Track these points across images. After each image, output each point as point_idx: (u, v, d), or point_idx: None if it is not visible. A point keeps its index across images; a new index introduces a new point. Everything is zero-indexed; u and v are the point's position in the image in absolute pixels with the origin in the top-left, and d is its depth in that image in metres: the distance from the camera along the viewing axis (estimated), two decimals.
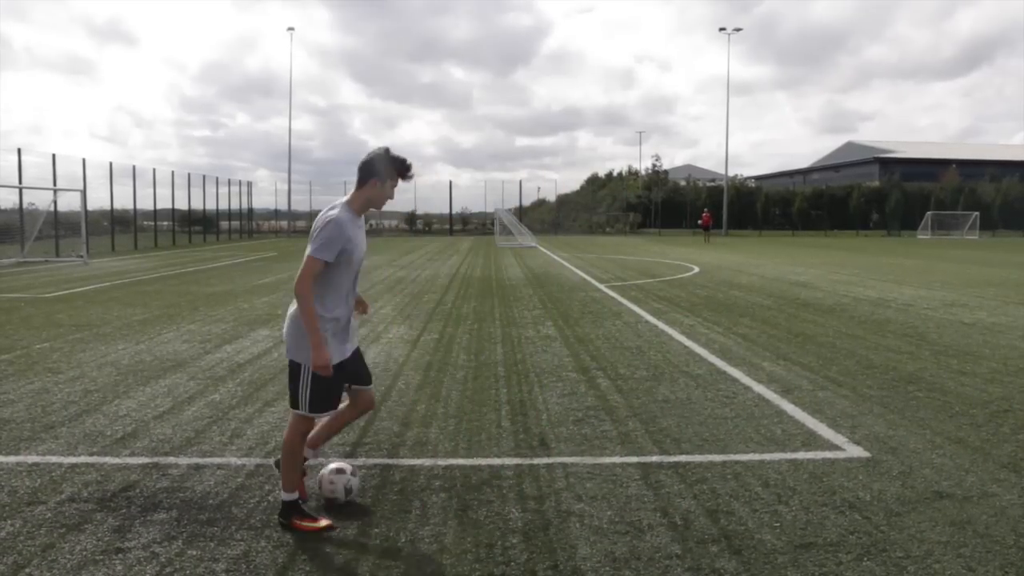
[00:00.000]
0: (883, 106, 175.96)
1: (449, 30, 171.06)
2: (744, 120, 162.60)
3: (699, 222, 43.28)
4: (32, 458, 4.71)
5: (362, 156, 3.73)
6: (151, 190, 37.13)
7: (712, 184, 67.71)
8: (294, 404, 3.73)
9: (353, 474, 4.01)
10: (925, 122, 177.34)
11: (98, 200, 33.43)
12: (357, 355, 3.93)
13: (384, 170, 3.68)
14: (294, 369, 3.71)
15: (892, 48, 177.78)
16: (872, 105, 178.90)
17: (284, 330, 3.79)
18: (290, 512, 3.72)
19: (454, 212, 59.43)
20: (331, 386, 3.71)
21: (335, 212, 3.63)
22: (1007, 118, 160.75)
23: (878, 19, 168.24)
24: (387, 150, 3.71)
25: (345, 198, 3.74)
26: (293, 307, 3.70)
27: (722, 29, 56.58)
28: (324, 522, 3.69)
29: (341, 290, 3.70)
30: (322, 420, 3.95)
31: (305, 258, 3.56)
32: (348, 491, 3.96)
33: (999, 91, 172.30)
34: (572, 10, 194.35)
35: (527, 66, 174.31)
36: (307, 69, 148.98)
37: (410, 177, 3.78)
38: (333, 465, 4.06)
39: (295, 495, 3.75)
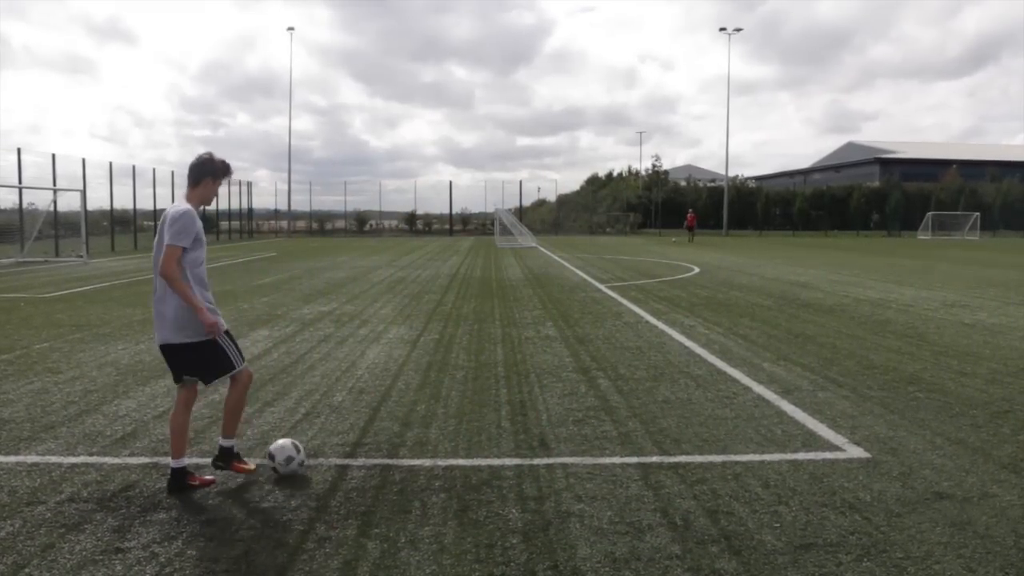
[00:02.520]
0: (886, 106, 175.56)
1: (451, 29, 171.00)
2: (746, 120, 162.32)
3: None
4: (32, 458, 4.71)
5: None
6: (151, 190, 37.20)
7: (712, 184, 67.74)
8: (229, 368, 4.27)
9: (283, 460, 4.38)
10: (929, 122, 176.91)
11: (98, 200, 33.51)
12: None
13: (216, 172, 4.30)
14: (209, 346, 4.20)
15: (897, 47, 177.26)
16: (875, 105, 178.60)
17: (178, 323, 4.12)
18: (229, 456, 4.36)
19: (454, 212, 59.46)
20: (233, 338, 4.36)
21: (185, 206, 4.17)
22: (1011, 118, 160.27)
23: (883, 18, 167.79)
24: (211, 154, 4.32)
25: (182, 198, 4.27)
26: (166, 308, 4.12)
27: (722, 29, 56.63)
28: (252, 465, 4.42)
29: (203, 277, 4.25)
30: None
31: (165, 248, 4.05)
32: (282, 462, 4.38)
33: (1004, 91, 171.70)
34: (575, 9, 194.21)
35: (529, 65, 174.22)
36: (308, 68, 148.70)
37: (231, 175, 4.44)
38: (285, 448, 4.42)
39: (235, 441, 4.42)
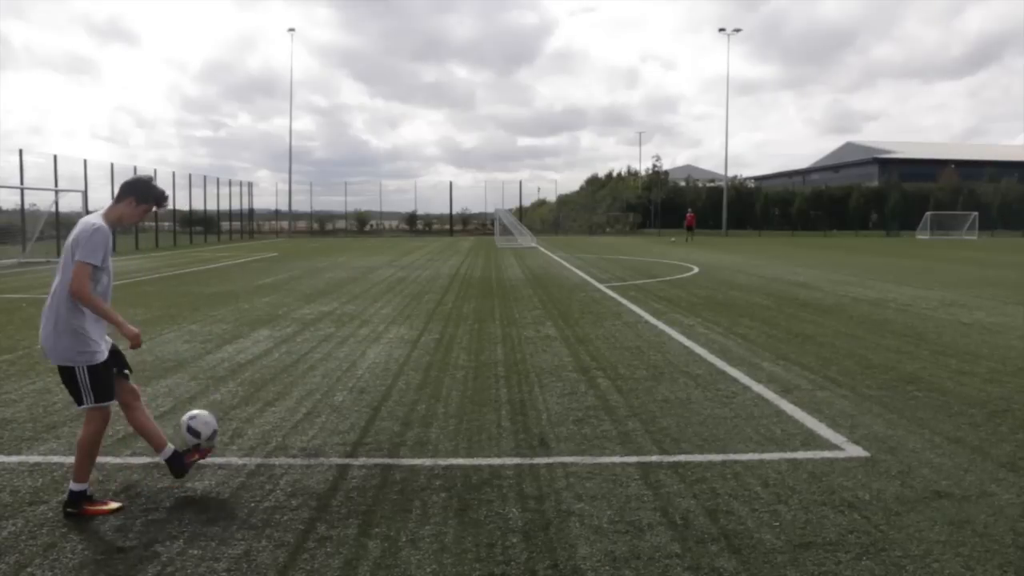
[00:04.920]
0: (888, 106, 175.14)
1: (452, 29, 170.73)
2: (747, 120, 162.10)
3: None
4: (34, 458, 4.72)
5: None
6: None
7: (712, 184, 67.77)
8: (80, 402, 3.96)
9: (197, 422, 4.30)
10: (930, 122, 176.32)
11: (99, 201, 33.36)
12: (116, 350, 4.17)
13: (142, 194, 4.10)
14: (69, 373, 3.93)
15: (900, 47, 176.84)
16: (877, 105, 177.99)
17: (46, 342, 3.94)
18: (80, 501, 3.89)
19: (454, 212, 59.48)
20: (106, 375, 4.00)
21: (99, 221, 3.95)
22: (1012, 118, 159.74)
23: (886, 18, 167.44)
24: (150, 179, 4.20)
25: (101, 212, 4.08)
26: (49, 318, 3.91)
27: (721, 30, 56.63)
28: (113, 504, 3.96)
29: (102, 292, 4.01)
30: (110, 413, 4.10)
31: (76, 265, 3.83)
32: (195, 433, 4.27)
33: (1005, 91, 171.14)
34: (577, 8, 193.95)
35: (531, 65, 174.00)
36: (309, 69, 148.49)
37: (164, 207, 4.23)
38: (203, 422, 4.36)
39: (86, 486, 3.93)
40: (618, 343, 8.80)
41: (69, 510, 3.88)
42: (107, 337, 4.11)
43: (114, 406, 4.07)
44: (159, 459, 4.21)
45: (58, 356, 3.93)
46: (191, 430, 4.29)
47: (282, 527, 3.71)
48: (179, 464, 4.18)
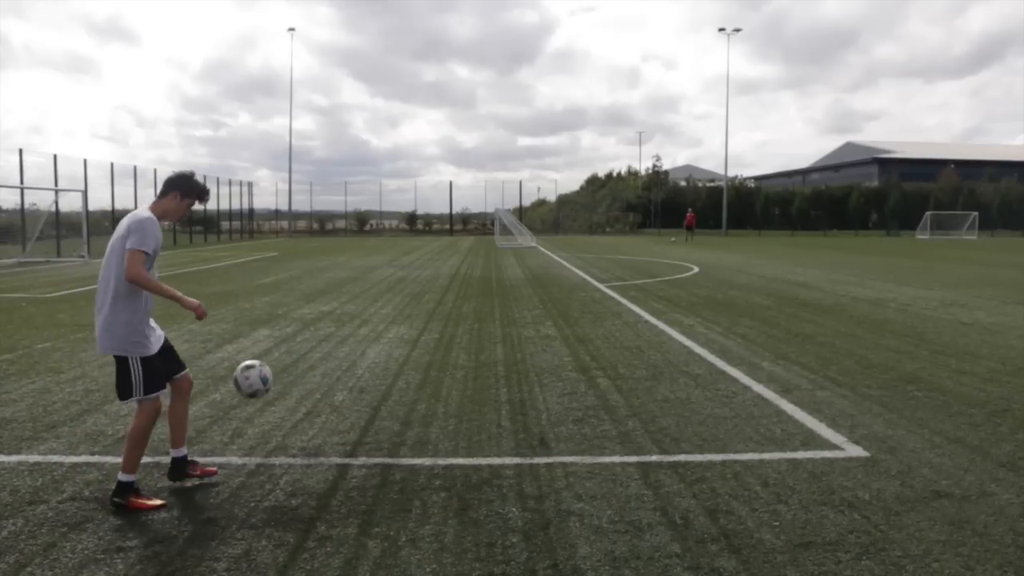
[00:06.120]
0: (889, 105, 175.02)
1: (453, 28, 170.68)
2: (748, 120, 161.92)
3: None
4: (34, 457, 4.72)
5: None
6: (152, 190, 36.96)
7: (712, 184, 67.78)
8: (128, 394, 4.02)
9: (263, 364, 4.56)
10: (931, 121, 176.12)
11: (99, 200, 33.61)
12: (167, 344, 4.29)
13: (187, 189, 4.20)
14: (122, 363, 4.01)
15: (901, 46, 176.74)
16: (878, 104, 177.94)
17: (102, 332, 4.02)
18: (127, 492, 3.95)
19: (454, 212, 59.49)
20: (157, 367, 4.10)
21: (147, 213, 4.06)
22: (1013, 118, 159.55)
23: (889, 17, 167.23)
24: (193, 174, 4.27)
25: (147, 206, 4.15)
26: (105, 310, 3.99)
27: (721, 29, 56.55)
28: (157, 501, 4.00)
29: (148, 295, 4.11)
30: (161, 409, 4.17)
31: (128, 253, 3.91)
32: (264, 380, 4.47)
33: (1007, 90, 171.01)
34: (577, 8, 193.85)
35: (531, 65, 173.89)
36: (309, 68, 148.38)
37: (206, 201, 4.34)
38: (241, 365, 4.57)
39: (134, 477, 4.00)
40: (618, 343, 8.80)
41: (116, 500, 3.94)
42: (158, 332, 4.20)
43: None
44: (171, 454, 4.30)
45: (112, 347, 4.00)
46: (262, 378, 4.47)
47: (282, 527, 3.71)
48: (181, 470, 4.29)
